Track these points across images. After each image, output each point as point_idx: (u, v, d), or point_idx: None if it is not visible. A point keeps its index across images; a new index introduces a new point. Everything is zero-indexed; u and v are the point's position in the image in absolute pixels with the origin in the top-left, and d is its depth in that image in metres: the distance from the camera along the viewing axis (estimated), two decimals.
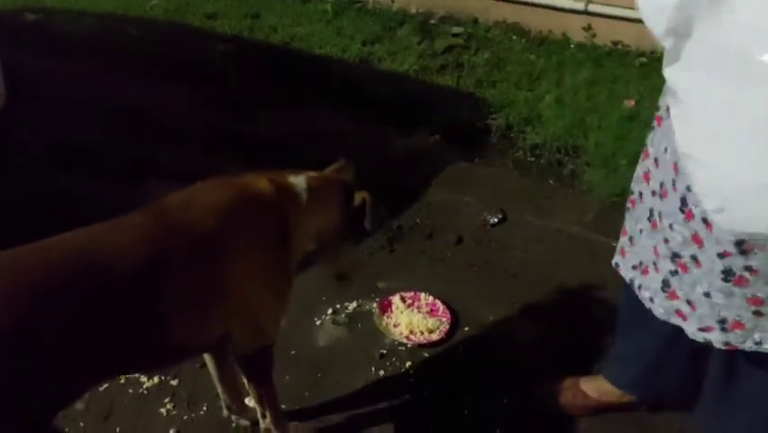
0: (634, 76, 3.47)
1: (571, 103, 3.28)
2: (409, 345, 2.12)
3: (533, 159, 3.03)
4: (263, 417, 1.70)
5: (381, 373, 2.05)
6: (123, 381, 1.99)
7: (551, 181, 2.90)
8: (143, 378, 2.00)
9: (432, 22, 4.17)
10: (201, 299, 1.39)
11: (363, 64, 3.67)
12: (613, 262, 1.69)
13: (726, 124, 1.03)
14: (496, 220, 2.63)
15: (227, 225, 1.39)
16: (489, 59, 3.68)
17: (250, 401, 1.82)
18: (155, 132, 3.07)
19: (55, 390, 1.25)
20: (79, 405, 1.93)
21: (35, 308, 1.17)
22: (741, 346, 1.41)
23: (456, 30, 4.02)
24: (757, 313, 1.34)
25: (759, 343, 1.39)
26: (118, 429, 1.88)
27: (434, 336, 2.13)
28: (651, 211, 1.49)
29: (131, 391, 1.97)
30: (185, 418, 1.90)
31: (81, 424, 1.89)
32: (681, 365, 1.68)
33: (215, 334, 1.48)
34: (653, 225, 1.48)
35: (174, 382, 1.98)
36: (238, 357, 1.56)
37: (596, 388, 1.91)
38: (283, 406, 1.94)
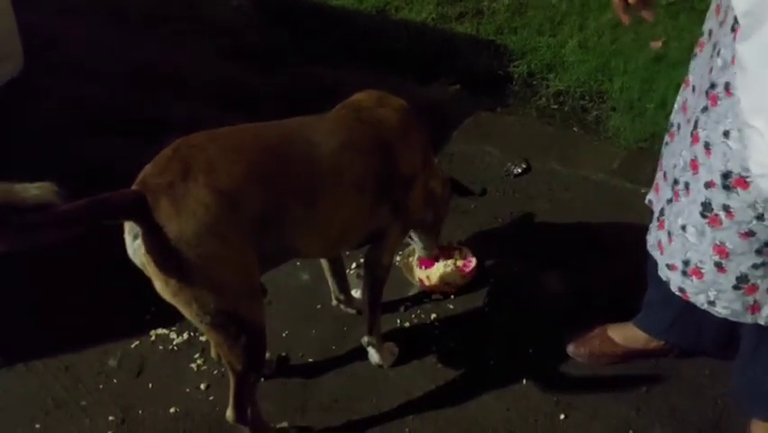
0: (661, 16, 3.32)
1: (595, 47, 3.16)
2: (432, 298, 2.12)
3: (556, 106, 2.96)
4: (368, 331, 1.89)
5: (407, 324, 2.06)
6: (153, 338, 2.03)
7: (575, 129, 2.83)
8: (173, 335, 2.03)
9: None
10: (381, 183, 1.61)
11: (380, 14, 3.57)
12: (647, 198, 1.67)
13: None
14: (519, 170, 2.58)
15: (407, 124, 1.69)
16: (510, 4, 3.56)
17: (356, 293, 2.05)
18: (171, 89, 3.04)
19: (263, 249, 1.43)
20: (112, 362, 1.98)
21: (254, 171, 1.38)
22: (693, 300, 1.44)
23: None
24: (719, 266, 1.35)
25: (712, 303, 1.41)
26: (150, 385, 1.92)
27: (450, 288, 2.12)
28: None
29: (161, 347, 2.01)
30: (215, 372, 1.94)
31: (115, 381, 1.94)
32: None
33: (374, 225, 1.68)
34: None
35: (203, 338, 2.01)
36: (373, 264, 1.79)
37: (623, 335, 1.90)
38: (310, 359, 1.97)
